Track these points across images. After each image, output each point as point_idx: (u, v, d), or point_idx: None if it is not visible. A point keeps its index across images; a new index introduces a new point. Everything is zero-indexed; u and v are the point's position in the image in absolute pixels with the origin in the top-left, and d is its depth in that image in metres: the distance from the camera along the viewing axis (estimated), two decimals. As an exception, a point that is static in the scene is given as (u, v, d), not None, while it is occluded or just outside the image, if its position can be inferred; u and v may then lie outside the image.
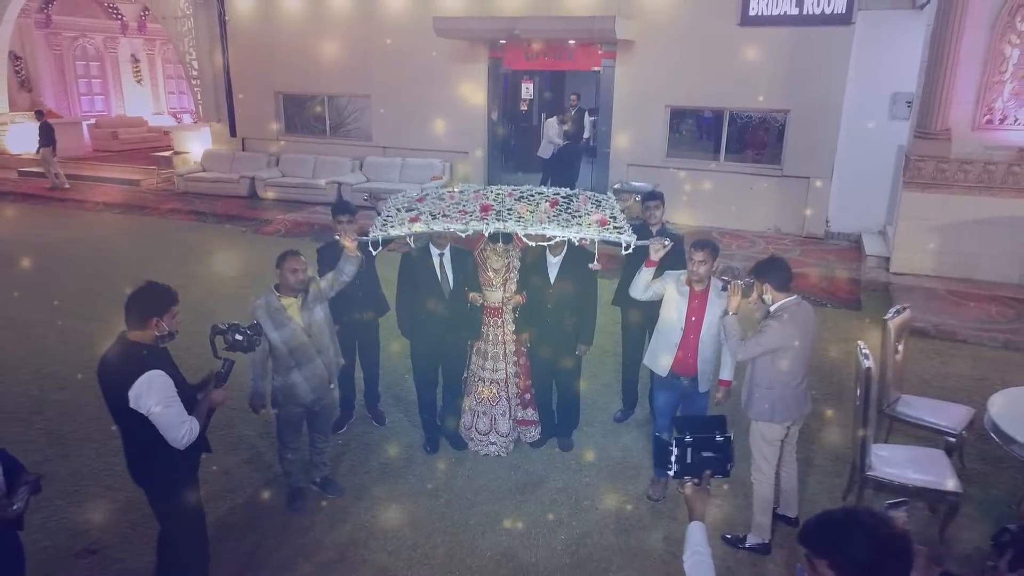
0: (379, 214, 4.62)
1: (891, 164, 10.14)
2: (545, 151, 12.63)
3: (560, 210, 4.43)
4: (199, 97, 15.42)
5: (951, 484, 3.92)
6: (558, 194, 4.68)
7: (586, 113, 13.27)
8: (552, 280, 4.75)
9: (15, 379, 6.08)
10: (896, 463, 4.09)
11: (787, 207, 11.10)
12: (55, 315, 7.55)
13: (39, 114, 15.18)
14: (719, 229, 11.29)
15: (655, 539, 4.21)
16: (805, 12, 10.29)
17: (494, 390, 4.95)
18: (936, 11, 8.16)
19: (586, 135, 13.16)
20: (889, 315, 4.71)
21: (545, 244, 4.51)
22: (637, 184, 11.38)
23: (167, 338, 3.20)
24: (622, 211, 4.58)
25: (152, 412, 3.03)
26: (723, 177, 11.39)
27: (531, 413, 5.14)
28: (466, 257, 4.83)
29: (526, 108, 16.05)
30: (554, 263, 4.74)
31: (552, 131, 12.42)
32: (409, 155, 13.39)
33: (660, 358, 4.38)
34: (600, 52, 11.70)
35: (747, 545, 4.09)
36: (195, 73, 15.23)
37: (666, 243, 4.26)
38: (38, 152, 14.74)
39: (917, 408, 4.76)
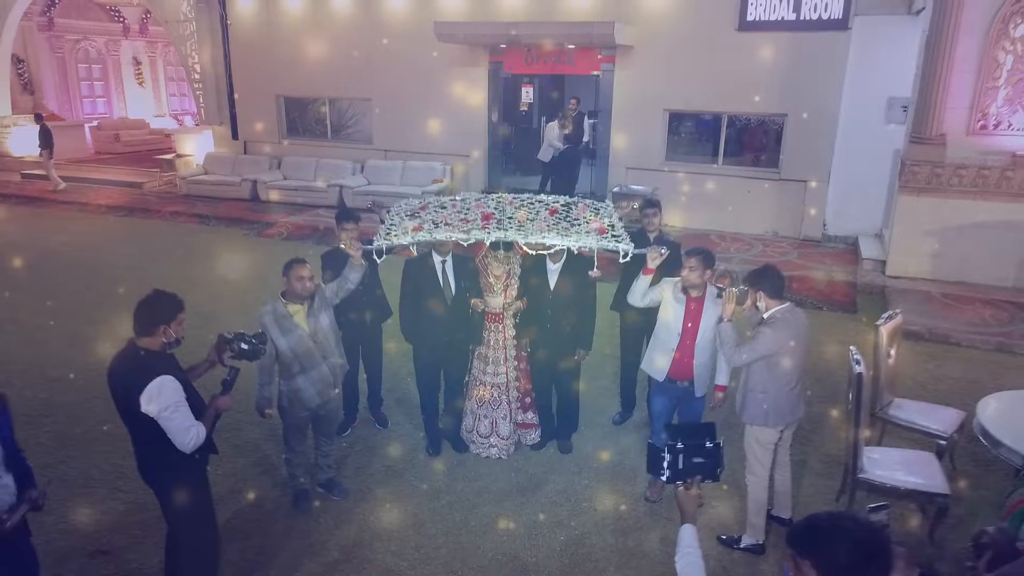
0: (383, 222, 4.73)
1: (888, 168, 10.24)
2: (545, 154, 12.73)
3: (559, 218, 4.54)
4: (201, 100, 15.52)
5: (940, 486, 4.03)
6: (557, 202, 4.79)
7: (585, 116, 13.37)
8: (552, 286, 4.85)
9: (24, 382, 6.18)
10: (887, 466, 4.19)
11: (785, 210, 11.20)
12: (60, 318, 7.66)
13: (38, 117, 15.30)
14: (717, 232, 11.41)
15: (652, 540, 4.31)
16: (802, 17, 10.39)
17: (493, 392, 5.06)
18: (931, 18, 8.26)
19: (586, 138, 13.26)
20: (881, 320, 4.82)
21: (545, 252, 4.61)
22: (636, 187, 11.51)
23: (174, 344, 3.31)
24: (620, 218, 4.69)
25: (161, 417, 3.14)
26: (721, 180, 11.50)
27: (531, 416, 5.24)
28: (468, 264, 4.93)
29: (526, 109, 16.14)
30: (554, 270, 4.84)
31: (552, 135, 12.53)
32: (410, 158, 13.49)
33: (657, 363, 4.48)
34: (599, 56, 11.80)
35: (742, 546, 4.20)
36: (197, 76, 15.33)
37: (663, 252, 4.36)
38: (40, 155, 14.88)
39: (909, 411, 4.86)
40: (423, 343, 4.99)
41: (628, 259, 4.29)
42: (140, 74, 21.80)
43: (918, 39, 9.14)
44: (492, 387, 5.05)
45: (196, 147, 15.95)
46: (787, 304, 3.97)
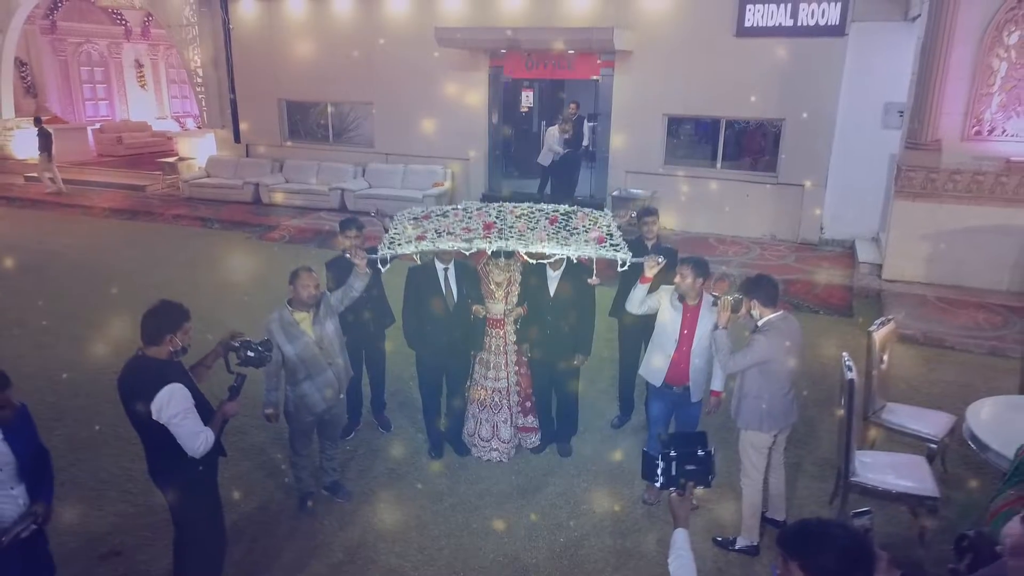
0: (386, 231, 4.84)
1: (884, 172, 10.34)
2: (545, 158, 12.83)
3: (559, 227, 4.65)
4: (203, 104, 15.61)
5: (930, 489, 4.13)
6: (557, 211, 4.89)
7: (585, 120, 13.48)
8: (552, 293, 4.96)
9: (32, 386, 6.25)
10: (879, 469, 4.29)
11: (782, 214, 11.30)
12: (65, 321, 7.75)
13: (37, 120, 15.41)
14: (716, 235, 11.51)
15: (650, 541, 4.41)
16: (800, 24, 10.48)
17: (494, 397, 5.16)
18: (926, 24, 8.37)
19: (585, 142, 13.36)
20: (874, 327, 4.91)
21: (545, 261, 4.71)
22: (635, 191, 11.62)
23: (180, 352, 3.40)
24: (618, 226, 4.80)
25: (171, 423, 3.24)
26: (720, 184, 11.59)
27: (531, 420, 5.35)
28: (470, 271, 5.04)
29: (526, 111, 16.24)
30: (553, 277, 4.94)
31: (553, 139, 12.62)
32: (411, 162, 13.59)
33: (654, 368, 4.59)
34: (599, 61, 11.90)
35: (737, 547, 4.30)
36: (199, 80, 15.43)
37: (660, 260, 4.46)
38: (40, 157, 14.99)
39: (901, 416, 4.96)
40: (426, 348, 5.09)
41: (626, 267, 4.40)
42: (142, 76, 21.91)
43: (914, 45, 9.23)
44: (493, 391, 5.16)
45: (198, 150, 16.05)
46: (781, 312, 4.08)
